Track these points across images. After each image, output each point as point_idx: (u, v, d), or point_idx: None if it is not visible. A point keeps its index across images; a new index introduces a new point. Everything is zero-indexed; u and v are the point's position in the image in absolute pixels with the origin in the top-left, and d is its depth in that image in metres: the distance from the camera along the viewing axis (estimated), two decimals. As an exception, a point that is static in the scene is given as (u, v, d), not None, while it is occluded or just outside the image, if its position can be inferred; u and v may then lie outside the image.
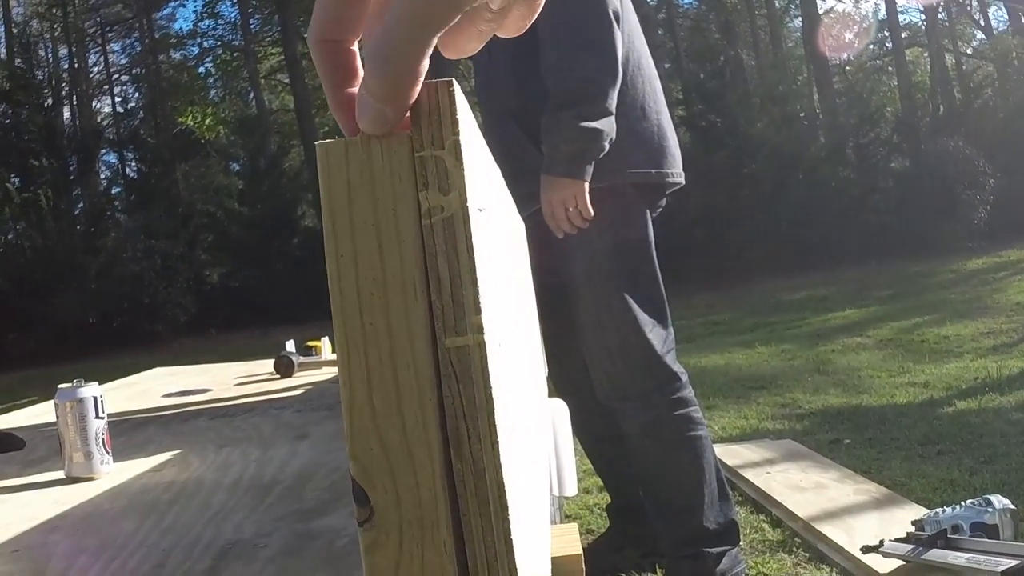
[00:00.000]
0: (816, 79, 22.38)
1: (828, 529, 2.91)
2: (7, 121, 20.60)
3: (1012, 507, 2.57)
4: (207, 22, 27.57)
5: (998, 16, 26.60)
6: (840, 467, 3.66)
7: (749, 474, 3.65)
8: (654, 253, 2.58)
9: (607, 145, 2.37)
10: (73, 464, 1.45)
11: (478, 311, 0.43)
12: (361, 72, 0.44)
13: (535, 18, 0.44)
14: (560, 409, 2.08)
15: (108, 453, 1.48)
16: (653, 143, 2.54)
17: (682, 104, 20.18)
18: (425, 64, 0.42)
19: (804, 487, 3.40)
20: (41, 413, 2.34)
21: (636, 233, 2.55)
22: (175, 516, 1.17)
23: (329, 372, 2.82)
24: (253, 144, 21.21)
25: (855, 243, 16.13)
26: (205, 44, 27.85)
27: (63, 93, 24.55)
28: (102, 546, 1.05)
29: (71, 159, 21.20)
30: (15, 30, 22.48)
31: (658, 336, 2.53)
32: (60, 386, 1.49)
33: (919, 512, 2.85)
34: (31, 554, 1.06)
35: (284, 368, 2.80)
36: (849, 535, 2.81)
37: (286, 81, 25.77)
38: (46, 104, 21.63)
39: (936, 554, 2.41)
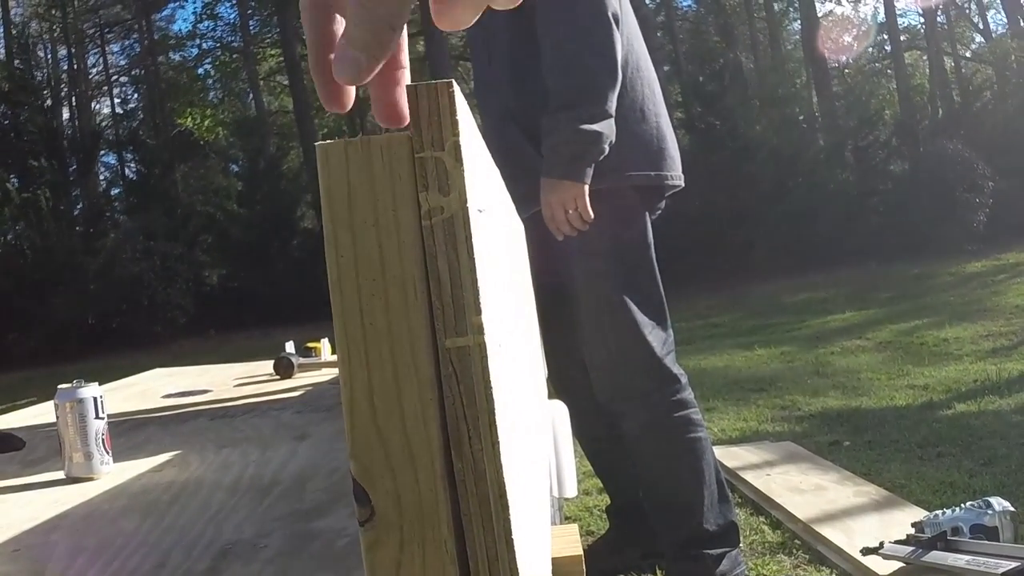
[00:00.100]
0: (815, 82, 22.39)
1: (828, 531, 2.90)
2: (6, 122, 20.59)
3: (1012, 509, 2.57)
4: (206, 23, 27.58)
5: (997, 19, 26.68)
6: (840, 469, 3.66)
7: (749, 476, 3.65)
8: (653, 255, 2.58)
9: (607, 147, 2.37)
10: (73, 464, 1.45)
11: (478, 311, 0.43)
12: None
13: None
14: (560, 410, 2.08)
15: (108, 453, 1.48)
16: (652, 145, 2.55)
17: (681, 107, 20.19)
18: (404, 16, 0.42)
19: (804, 489, 3.40)
20: (41, 413, 2.34)
21: (635, 235, 2.55)
22: (175, 516, 1.17)
23: (329, 373, 2.81)
24: (252, 145, 21.22)
25: (854, 245, 16.14)
26: (204, 45, 27.86)
27: (62, 94, 24.57)
28: (102, 546, 1.05)
29: (70, 160, 21.20)
30: (14, 31, 22.47)
31: (657, 338, 2.53)
32: (60, 386, 1.49)
33: (919, 514, 2.85)
34: (31, 554, 1.06)
35: (284, 369, 2.80)
36: (849, 537, 2.81)
37: (285, 83, 25.77)
38: (45, 105, 21.63)
39: (936, 556, 2.41)
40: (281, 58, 25.17)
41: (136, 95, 27.77)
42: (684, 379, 2.57)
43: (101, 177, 24.13)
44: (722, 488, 2.58)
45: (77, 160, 21.37)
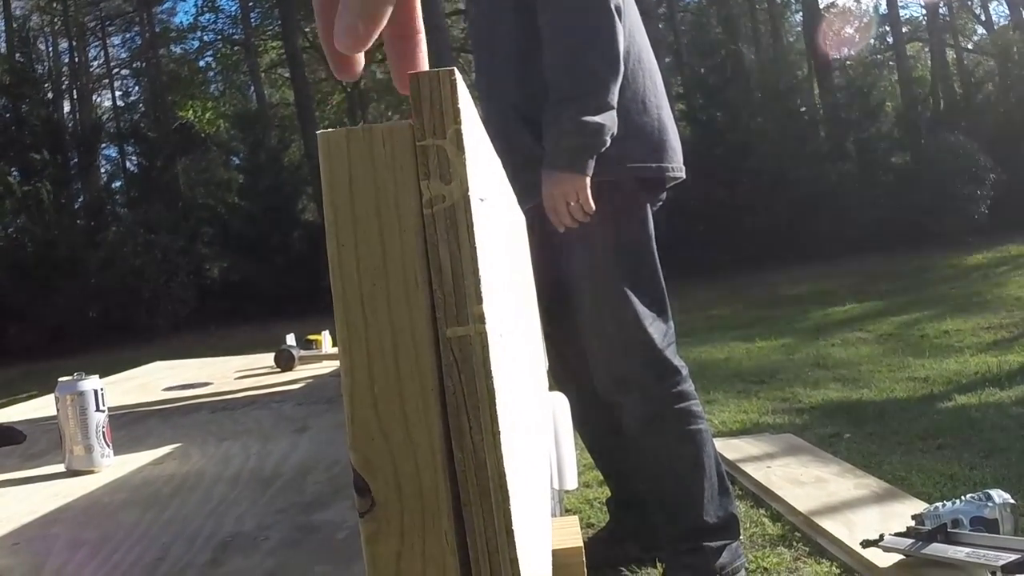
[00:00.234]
0: (817, 74, 22.36)
1: (828, 523, 2.90)
2: (8, 115, 20.58)
3: (1012, 502, 2.57)
4: (207, 16, 27.57)
5: (999, 11, 26.60)
6: (840, 461, 3.66)
7: (749, 468, 3.65)
8: (654, 247, 2.58)
9: (609, 139, 2.37)
10: (73, 457, 1.45)
11: (479, 301, 0.43)
12: None
13: None
14: (560, 403, 2.08)
15: (109, 446, 1.48)
16: (654, 137, 2.54)
17: (683, 98, 20.17)
18: None
19: (804, 481, 3.40)
20: (41, 407, 2.34)
21: (636, 227, 2.55)
22: (176, 509, 1.17)
23: (329, 366, 2.82)
24: (253, 138, 21.19)
25: (855, 238, 16.15)
26: (205, 38, 27.84)
27: (63, 87, 24.54)
28: (103, 539, 1.05)
29: (72, 153, 21.20)
30: (15, 24, 22.44)
31: (658, 330, 2.53)
32: (61, 379, 1.48)
33: (919, 506, 2.85)
34: (31, 547, 1.06)
35: (284, 362, 2.80)
36: (849, 529, 2.81)
37: (286, 75, 25.74)
38: (46, 98, 21.62)
39: (936, 548, 2.41)
40: (282, 50, 25.16)
41: (137, 88, 27.76)
42: (685, 371, 2.57)
43: (102, 170, 24.13)
44: (722, 480, 2.58)
45: (78, 153, 21.36)
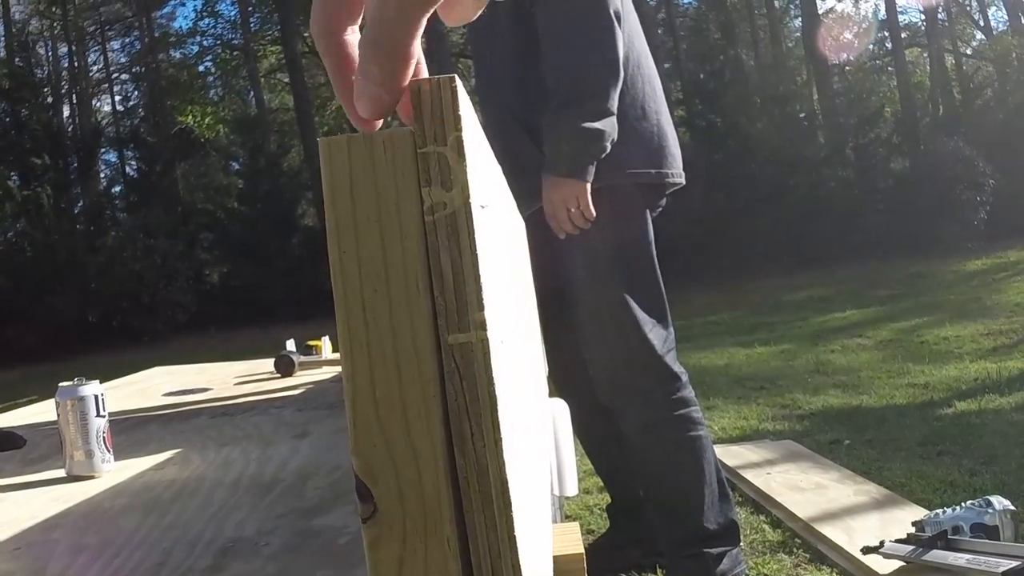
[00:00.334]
0: (816, 79, 22.38)
1: (828, 530, 2.90)
2: (7, 119, 20.60)
3: (1012, 508, 2.57)
4: (207, 21, 27.56)
5: (998, 16, 26.61)
6: (840, 468, 3.66)
7: (749, 475, 3.65)
8: (654, 253, 2.58)
9: (608, 145, 2.37)
10: (74, 462, 1.45)
11: (481, 308, 0.43)
12: None
13: None
14: (561, 408, 2.08)
15: (109, 451, 1.48)
16: (653, 143, 2.55)
17: (682, 104, 20.20)
18: (416, 46, 0.42)
19: (804, 488, 3.40)
20: (41, 412, 2.34)
21: (636, 233, 2.55)
22: (176, 514, 1.17)
23: (329, 371, 2.82)
24: (253, 143, 21.22)
25: (855, 243, 16.16)
26: (205, 43, 27.83)
27: (63, 92, 24.56)
28: (103, 544, 1.05)
29: (71, 158, 21.21)
30: (15, 29, 22.45)
31: (658, 336, 2.53)
32: (61, 384, 1.48)
33: (919, 513, 2.85)
34: (32, 552, 1.06)
35: (284, 367, 2.80)
36: (849, 536, 2.81)
37: (286, 80, 25.75)
38: (46, 102, 21.64)
39: (936, 555, 2.41)
40: (282, 55, 25.15)
41: (137, 92, 27.75)
42: (685, 377, 2.57)
43: (102, 175, 24.13)
44: (722, 486, 2.58)
45: (78, 158, 21.38)
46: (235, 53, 27.39)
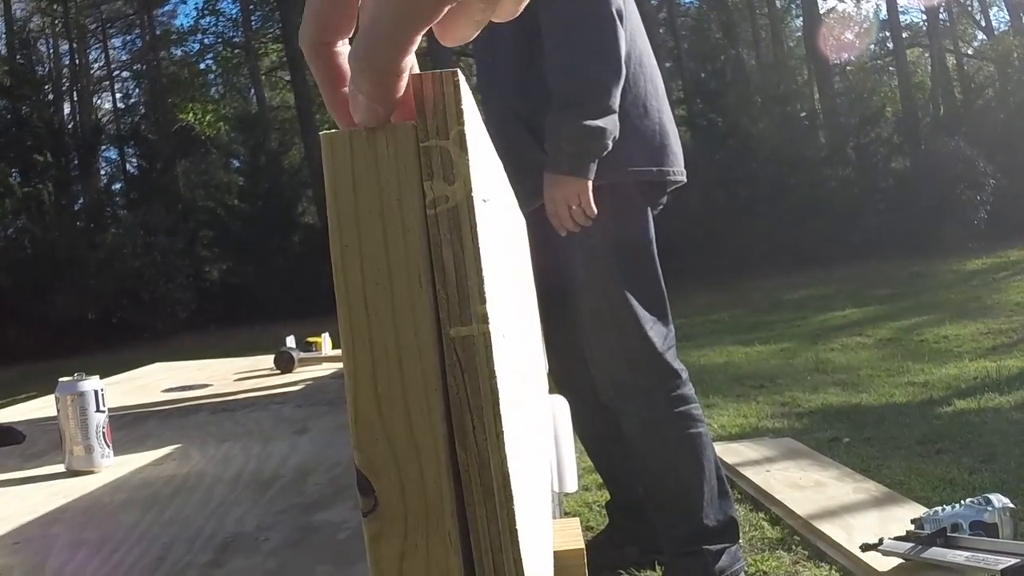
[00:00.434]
0: (817, 79, 22.37)
1: (827, 527, 2.91)
2: (8, 116, 20.59)
3: (1012, 506, 2.57)
4: (208, 19, 27.54)
5: (999, 17, 26.58)
6: (839, 466, 3.66)
7: (748, 472, 3.65)
8: (655, 251, 2.58)
9: (610, 143, 2.37)
10: (73, 457, 1.45)
11: (483, 301, 0.43)
12: None
13: (528, 1, 0.44)
14: (560, 405, 2.08)
15: (109, 447, 1.48)
16: (655, 141, 2.55)
17: (683, 103, 20.18)
18: (408, 61, 0.42)
19: (803, 485, 3.40)
20: (41, 407, 2.34)
21: (637, 231, 2.55)
22: (176, 509, 1.17)
23: (329, 368, 2.82)
24: (253, 141, 21.22)
25: (855, 243, 16.15)
26: (206, 41, 27.81)
27: (64, 89, 24.55)
28: (103, 539, 1.05)
29: (72, 155, 21.21)
30: (16, 26, 22.45)
31: (659, 333, 2.53)
32: (61, 379, 1.48)
33: (918, 511, 2.85)
34: (31, 547, 1.06)
35: (284, 364, 2.80)
36: (848, 533, 2.81)
37: (287, 78, 25.72)
38: (47, 99, 21.64)
39: (936, 552, 2.41)
40: (283, 53, 25.14)
41: (137, 90, 27.69)
42: (685, 374, 2.57)
43: (102, 172, 24.13)
44: (722, 484, 2.58)
45: (78, 155, 21.37)
46: (236, 51, 27.38)
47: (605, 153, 2.38)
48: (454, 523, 0.43)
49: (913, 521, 2.66)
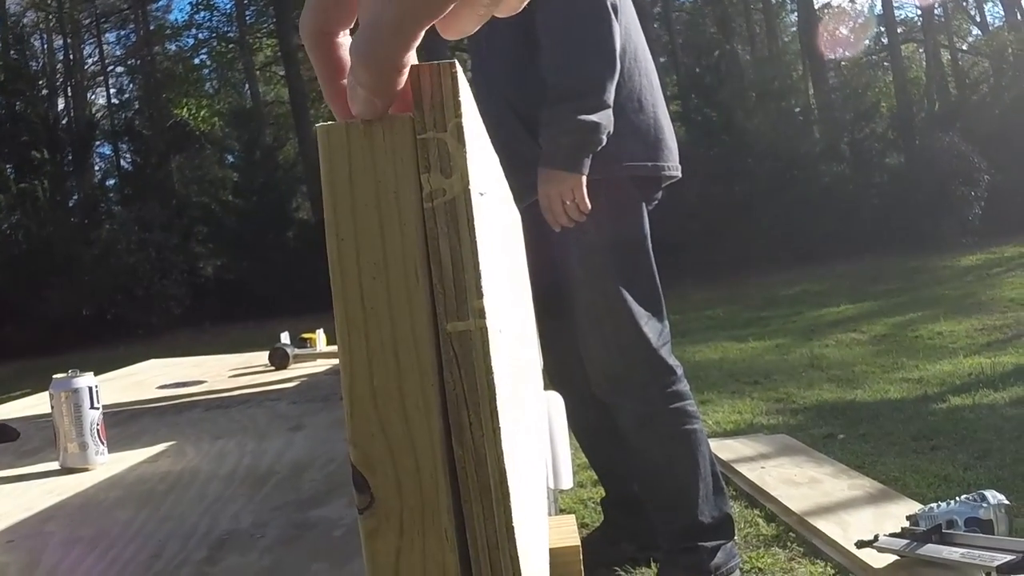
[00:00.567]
0: (812, 74, 22.39)
1: (822, 524, 2.91)
2: (2, 112, 20.56)
3: (1007, 502, 2.58)
4: (202, 14, 27.49)
5: (994, 12, 26.70)
6: (834, 462, 3.66)
7: (743, 469, 3.65)
8: (650, 246, 2.58)
9: (605, 138, 2.37)
10: (68, 454, 1.45)
11: (480, 295, 0.42)
12: None
13: None
14: (555, 401, 2.08)
15: (103, 443, 1.47)
16: (650, 136, 2.54)
17: (678, 98, 20.18)
18: (410, 57, 0.42)
19: (798, 482, 3.40)
20: (35, 404, 2.34)
21: (632, 226, 2.55)
22: (171, 506, 1.17)
23: (324, 364, 2.81)
24: (248, 136, 21.20)
25: (850, 238, 16.16)
26: (200, 36, 27.76)
27: (58, 84, 24.51)
28: (97, 536, 1.05)
29: (66, 150, 21.18)
30: (10, 21, 22.40)
31: (653, 329, 2.53)
32: (55, 376, 1.48)
33: (913, 507, 2.85)
34: (26, 544, 1.06)
35: (279, 360, 2.79)
36: (843, 530, 2.81)
37: (281, 73, 25.69)
38: (41, 95, 21.61)
39: (931, 549, 2.41)
40: (277, 48, 25.10)
41: (132, 85, 27.67)
42: (680, 371, 2.57)
43: (96, 168, 24.12)
44: (717, 480, 2.58)
45: (72, 150, 21.34)
46: (230, 46, 27.34)
47: (600, 148, 2.38)
48: (450, 519, 0.42)
49: (908, 517, 2.66)
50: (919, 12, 25.01)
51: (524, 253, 1.87)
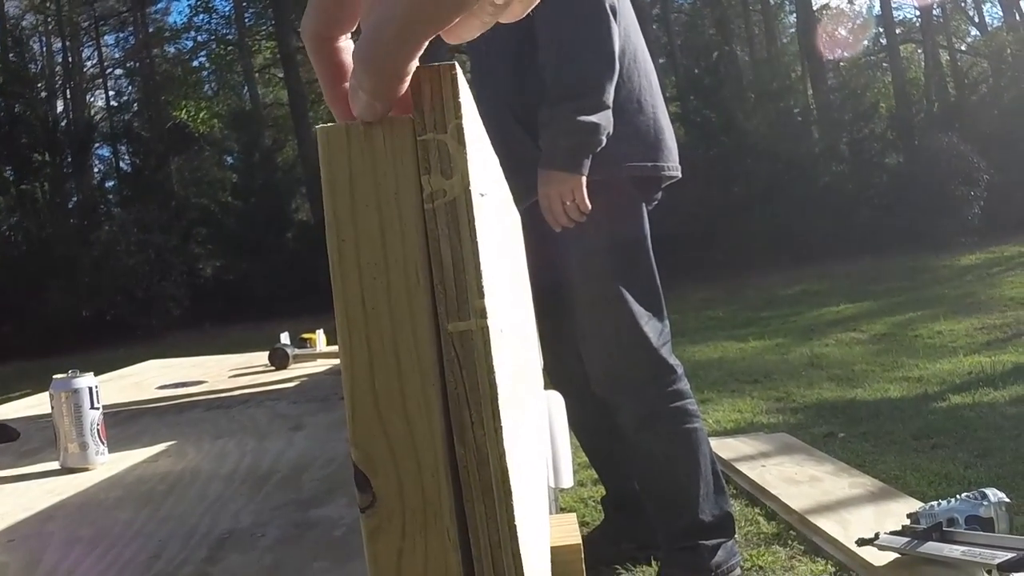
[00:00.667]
0: (810, 75, 22.38)
1: (823, 522, 2.91)
2: (2, 114, 20.56)
3: (1007, 500, 2.57)
4: (201, 16, 27.48)
5: (992, 12, 26.64)
6: (835, 460, 3.66)
7: (744, 467, 3.65)
8: (650, 246, 2.58)
9: (604, 139, 2.37)
10: (68, 454, 1.45)
11: (481, 295, 0.43)
12: None
13: (536, 2, 0.43)
14: (556, 401, 2.08)
15: (103, 443, 1.47)
16: (649, 136, 2.54)
17: (677, 99, 20.17)
18: (414, 65, 0.42)
19: (799, 480, 3.40)
20: (35, 405, 2.34)
21: (632, 226, 2.55)
22: (171, 506, 1.17)
23: (324, 364, 2.81)
24: (247, 138, 21.20)
25: (849, 238, 16.16)
26: (199, 38, 27.75)
27: (57, 86, 24.50)
28: (98, 536, 1.05)
29: (65, 152, 21.18)
30: (8, 24, 22.40)
31: (654, 329, 2.53)
32: (55, 376, 1.48)
33: (914, 505, 2.85)
34: (26, 544, 1.06)
35: (279, 360, 2.79)
36: (844, 528, 2.82)
37: (280, 75, 25.68)
38: (40, 97, 21.61)
39: (931, 547, 2.41)
40: (276, 50, 25.09)
41: (131, 87, 27.66)
42: (680, 370, 2.57)
43: (95, 169, 24.12)
44: (718, 479, 2.58)
45: (72, 152, 21.34)
46: (229, 48, 27.32)
47: (599, 148, 2.38)
48: (452, 519, 0.42)
49: (909, 516, 2.66)
50: (918, 13, 25.00)
51: (524, 254, 1.87)
